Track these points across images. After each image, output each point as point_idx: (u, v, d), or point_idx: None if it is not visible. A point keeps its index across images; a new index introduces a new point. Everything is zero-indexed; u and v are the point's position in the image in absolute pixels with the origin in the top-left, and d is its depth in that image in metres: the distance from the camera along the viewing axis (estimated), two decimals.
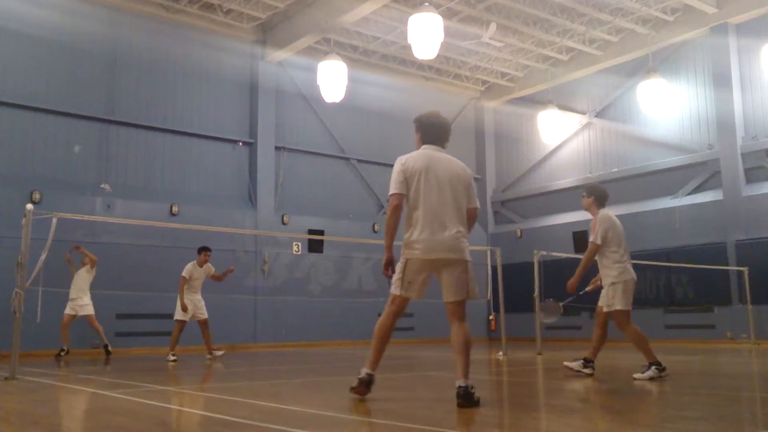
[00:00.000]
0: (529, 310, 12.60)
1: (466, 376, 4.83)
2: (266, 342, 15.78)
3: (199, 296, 11.31)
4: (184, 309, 11.03)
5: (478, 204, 5.32)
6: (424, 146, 5.33)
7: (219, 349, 11.42)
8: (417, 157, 5.21)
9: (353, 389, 5.18)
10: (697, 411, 4.88)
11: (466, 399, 4.77)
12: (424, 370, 9.38)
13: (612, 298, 6.98)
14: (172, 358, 10.73)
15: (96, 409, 5.05)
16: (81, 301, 12.27)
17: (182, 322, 11.09)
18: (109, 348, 12.37)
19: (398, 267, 5.20)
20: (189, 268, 11.20)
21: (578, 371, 7.29)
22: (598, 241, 6.98)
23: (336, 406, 5.11)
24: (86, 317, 12.33)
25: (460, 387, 4.80)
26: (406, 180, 5.12)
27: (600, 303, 7.26)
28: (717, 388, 6.38)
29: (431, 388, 6.43)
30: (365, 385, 5.16)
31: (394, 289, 5.22)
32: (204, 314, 11.27)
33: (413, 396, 5.93)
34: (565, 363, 7.54)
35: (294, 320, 16.27)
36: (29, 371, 8.33)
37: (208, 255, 11.33)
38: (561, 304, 8.17)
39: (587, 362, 7.30)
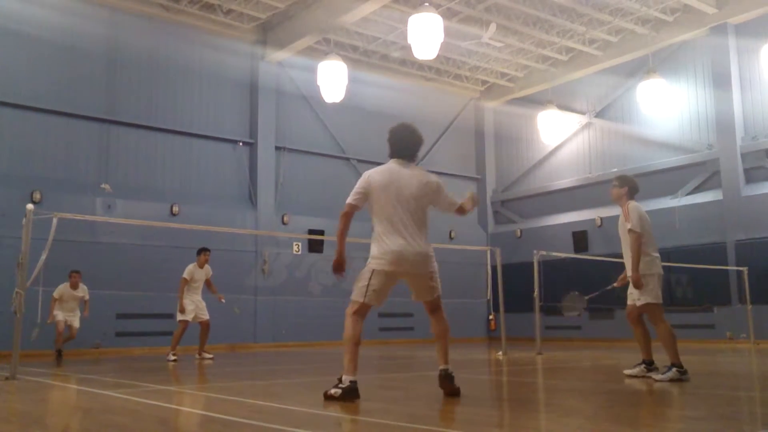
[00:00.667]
0: (529, 310, 12.60)
1: (446, 360, 5.33)
2: (266, 342, 15.79)
3: (200, 297, 11.34)
4: (182, 310, 11.06)
5: (458, 200, 5.61)
6: (391, 160, 5.53)
7: (208, 353, 11.40)
8: (381, 171, 5.46)
9: (336, 398, 5.06)
10: (697, 411, 4.88)
11: (447, 380, 5.28)
12: (424, 370, 9.39)
13: (643, 291, 6.78)
14: (173, 357, 10.75)
15: (96, 409, 5.05)
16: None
17: (185, 323, 11.13)
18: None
19: (364, 275, 5.44)
20: (190, 269, 11.24)
21: (644, 376, 6.89)
22: (638, 229, 6.73)
23: (336, 406, 5.11)
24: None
25: (441, 370, 5.31)
26: (366, 194, 5.43)
27: (629, 300, 7.00)
28: (717, 388, 6.39)
29: (431, 388, 6.44)
30: (354, 393, 5.13)
31: (359, 297, 5.39)
32: (205, 316, 11.30)
33: (413, 396, 5.93)
34: (626, 371, 7.19)
35: (294, 320, 16.28)
36: (29, 371, 8.34)
37: (207, 255, 11.35)
38: (586, 297, 7.99)
39: (648, 365, 6.99)
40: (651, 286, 6.78)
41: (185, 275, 11.17)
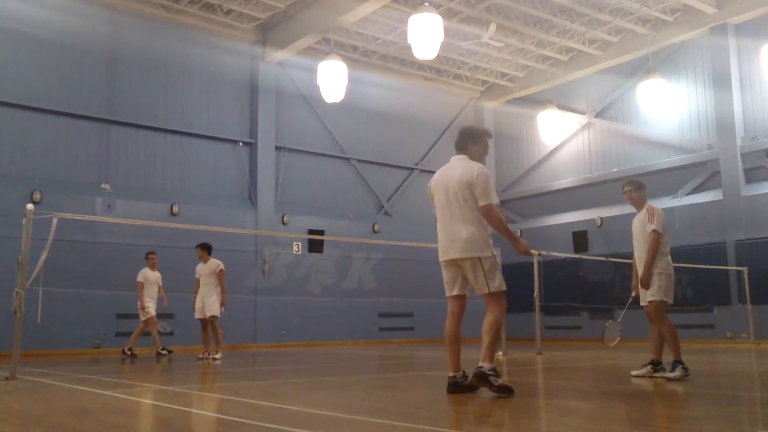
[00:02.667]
0: (529, 310, 12.62)
1: (483, 358, 5.34)
2: (266, 342, 15.79)
3: (206, 292, 11.33)
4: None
5: (486, 201, 5.49)
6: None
7: (207, 353, 11.33)
8: (438, 170, 5.97)
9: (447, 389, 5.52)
10: (697, 411, 4.88)
11: (478, 377, 5.28)
12: (424, 370, 9.39)
13: (657, 288, 6.83)
14: (219, 356, 10.93)
15: (96, 409, 5.05)
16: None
17: (201, 320, 11.26)
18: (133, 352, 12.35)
19: None
20: (197, 268, 11.51)
21: (651, 377, 6.87)
22: (661, 230, 6.90)
23: (336, 406, 5.11)
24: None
25: (478, 366, 5.33)
26: (431, 195, 5.88)
27: (643, 301, 7.01)
28: (717, 388, 6.39)
29: (431, 388, 6.43)
30: (452, 387, 5.52)
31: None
32: (210, 311, 11.27)
33: (413, 396, 5.93)
34: (633, 372, 7.13)
35: (294, 320, 16.27)
36: (29, 371, 8.33)
37: (201, 251, 11.46)
38: (619, 320, 7.99)
39: (655, 366, 6.98)
40: (666, 284, 6.86)
41: (196, 274, 11.48)
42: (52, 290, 11.39)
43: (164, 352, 11.99)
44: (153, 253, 12.50)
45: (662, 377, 6.73)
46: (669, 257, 6.99)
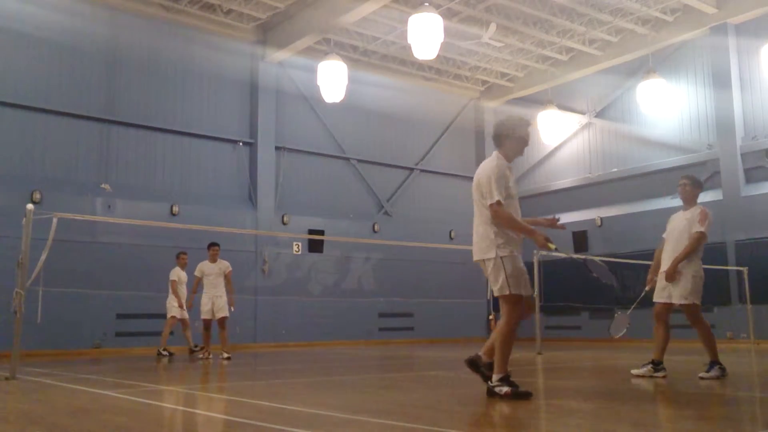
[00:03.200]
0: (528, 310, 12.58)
1: (495, 370, 5.27)
2: (266, 342, 15.79)
3: (218, 293, 11.29)
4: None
5: (490, 200, 5.37)
6: None
7: (206, 353, 11.26)
8: None
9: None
10: (697, 411, 4.88)
11: (488, 392, 5.19)
12: (424, 370, 9.38)
13: (691, 291, 6.83)
14: (226, 355, 10.84)
15: (96, 409, 5.05)
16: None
17: (206, 320, 11.18)
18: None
19: None
20: (199, 266, 11.39)
21: (652, 377, 6.90)
22: (707, 234, 6.93)
23: (336, 406, 5.11)
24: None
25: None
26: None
27: (662, 299, 7.00)
28: (717, 388, 6.38)
29: (431, 388, 6.43)
30: (468, 361, 5.59)
31: None
32: (222, 313, 11.25)
33: (413, 396, 5.93)
34: (633, 371, 7.12)
35: (294, 320, 16.27)
36: (29, 371, 8.33)
37: (215, 250, 11.44)
38: (628, 312, 7.96)
39: (656, 366, 6.98)
40: (698, 287, 6.89)
41: (195, 272, 11.37)
42: (52, 290, 11.39)
43: (165, 353, 11.99)
44: (185, 253, 12.35)
45: (700, 377, 6.72)
46: (701, 260, 7.04)
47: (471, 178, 5.74)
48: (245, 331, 15.56)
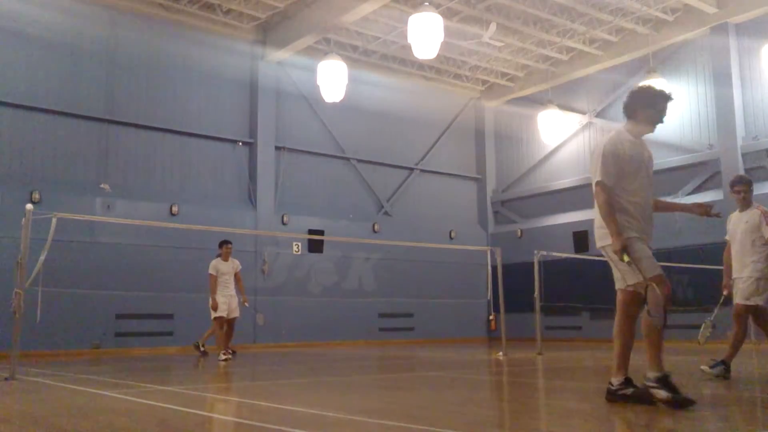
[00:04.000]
0: (530, 310, 12.60)
1: (617, 366, 4.87)
2: (266, 342, 15.78)
3: (231, 292, 11.23)
4: (214, 307, 10.98)
5: (594, 178, 4.87)
6: None
7: (227, 352, 11.05)
8: None
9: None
10: (696, 411, 4.87)
11: (608, 392, 4.83)
12: (424, 370, 9.38)
13: (755, 292, 6.81)
14: (223, 357, 10.61)
15: (96, 409, 5.04)
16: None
17: (220, 319, 11.07)
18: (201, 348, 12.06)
19: None
20: (213, 264, 11.26)
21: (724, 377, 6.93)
22: None
23: (336, 406, 5.11)
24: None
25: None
26: None
27: (741, 300, 6.96)
28: (717, 388, 6.37)
29: (431, 388, 6.42)
30: (607, 393, 5.04)
31: None
32: (236, 313, 11.20)
33: (413, 396, 5.92)
34: (703, 367, 7.16)
35: (294, 320, 16.26)
36: (29, 371, 8.33)
37: (228, 248, 11.34)
38: (711, 318, 8.01)
39: (722, 363, 6.99)
40: (763, 289, 6.85)
41: (210, 270, 11.16)
42: (51, 290, 11.38)
43: (202, 349, 11.76)
44: (229, 242, 11.42)
45: (701, 368, 6.86)
46: None
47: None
48: (245, 332, 15.54)
